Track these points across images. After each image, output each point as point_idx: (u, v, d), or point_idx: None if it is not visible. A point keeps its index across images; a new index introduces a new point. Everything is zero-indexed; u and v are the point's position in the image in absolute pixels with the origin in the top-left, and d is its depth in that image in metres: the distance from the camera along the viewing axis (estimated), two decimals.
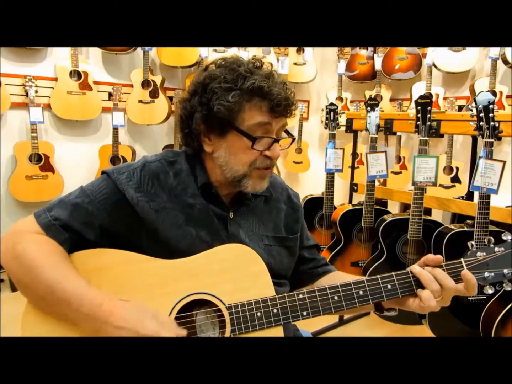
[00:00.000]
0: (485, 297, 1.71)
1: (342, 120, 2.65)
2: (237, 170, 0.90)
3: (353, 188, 2.57)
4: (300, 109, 3.98)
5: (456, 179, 3.25)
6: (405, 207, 2.83)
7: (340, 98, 3.98)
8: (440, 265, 0.87)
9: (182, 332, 0.79)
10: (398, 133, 3.50)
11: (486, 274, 0.86)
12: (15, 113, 2.97)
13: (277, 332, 0.85)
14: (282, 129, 0.93)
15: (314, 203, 2.72)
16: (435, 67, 3.33)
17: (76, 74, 3.07)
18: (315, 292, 0.86)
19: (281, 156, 1.03)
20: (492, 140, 1.63)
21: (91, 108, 3.13)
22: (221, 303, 0.84)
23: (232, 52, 3.41)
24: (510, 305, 1.60)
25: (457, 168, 3.25)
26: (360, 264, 2.37)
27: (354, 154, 2.68)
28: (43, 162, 2.94)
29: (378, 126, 2.23)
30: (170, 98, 3.43)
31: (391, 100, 3.80)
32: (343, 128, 2.61)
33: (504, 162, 1.61)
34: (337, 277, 1.08)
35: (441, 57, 3.30)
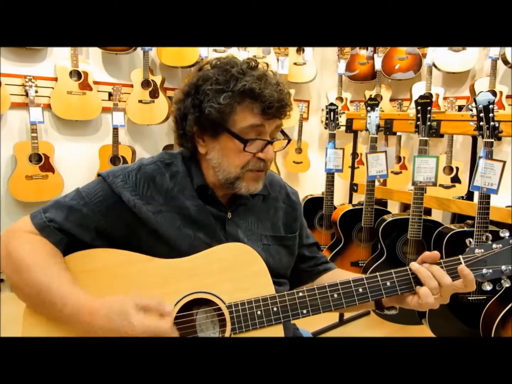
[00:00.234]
0: (485, 297, 1.71)
1: (342, 120, 2.65)
2: (229, 172, 0.90)
3: (353, 188, 2.57)
4: (300, 109, 3.97)
5: (456, 179, 3.25)
6: (405, 207, 2.83)
7: (340, 98, 3.98)
8: (438, 262, 0.87)
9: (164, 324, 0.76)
10: (398, 133, 3.50)
11: (484, 270, 0.86)
12: (15, 113, 2.97)
13: (277, 330, 0.85)
14: (276, 131, 0.93)
15: (314, 203, 2.73)
16: (435, 67, 3.33)
17: (76, 74, 3.07)
18: (314, 290, 0.86)
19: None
20: (492, 140, 1.63)
21: (91, 108, 3.13)
22: (221, 302, 0.84)
23: (232, 52, 3.40)
24: (510, 305, 1.60)
25: (457, 168, 3.25)
26: (360, 264, 2.37)
27: (354, 154, 2.69)
28: (43, 162, 2.94)
29: (378, 126, 2.23)
30: (170, 98, 3.42)
31: (391, 100, 3.80)
32: (343, 128, 2.61)
33: (504, 162, 1.61)
34: (337, 275, 1.07)
35: (441, 57, 3.29)
